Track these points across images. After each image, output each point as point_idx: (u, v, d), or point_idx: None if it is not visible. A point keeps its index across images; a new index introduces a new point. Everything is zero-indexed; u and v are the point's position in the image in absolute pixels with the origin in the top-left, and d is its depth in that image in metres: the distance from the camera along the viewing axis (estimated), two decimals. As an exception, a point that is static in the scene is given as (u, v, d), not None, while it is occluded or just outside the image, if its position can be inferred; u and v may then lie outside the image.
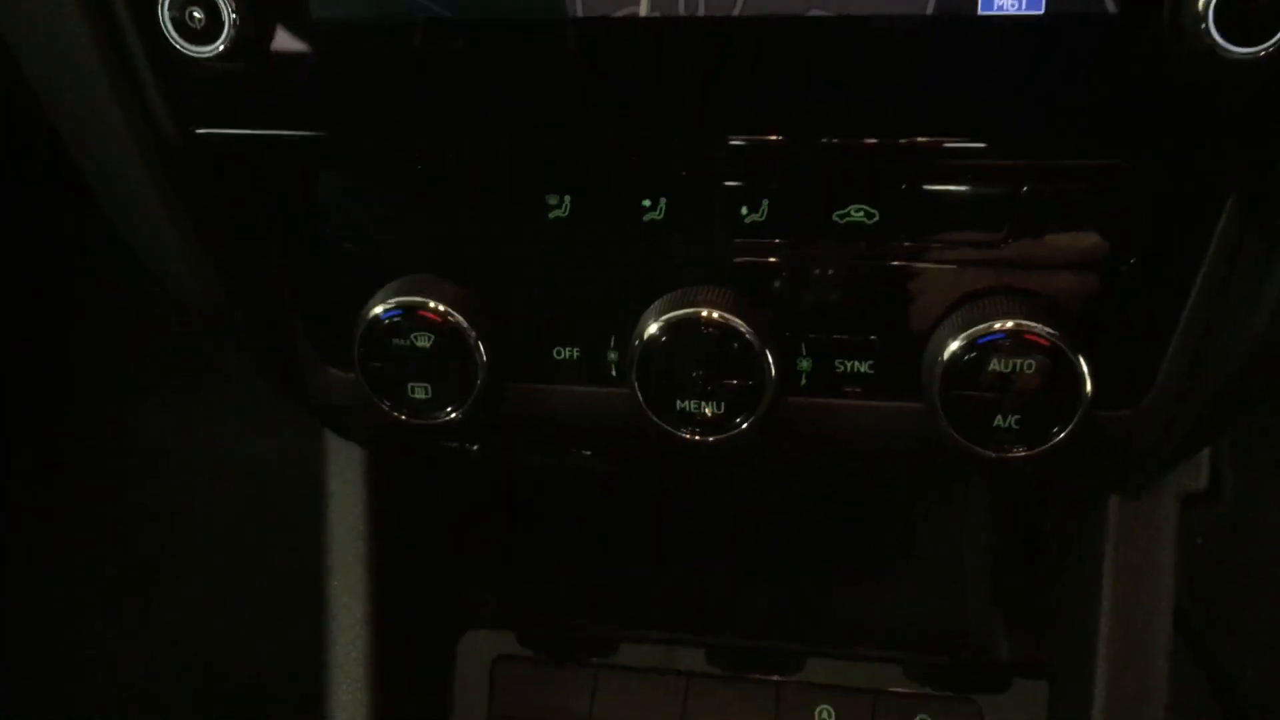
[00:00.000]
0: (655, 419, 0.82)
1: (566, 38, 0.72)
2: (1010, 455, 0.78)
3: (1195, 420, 0.82)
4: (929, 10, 0.67)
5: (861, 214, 0.79)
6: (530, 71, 0.73)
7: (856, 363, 0.83)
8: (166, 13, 0.73)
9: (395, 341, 0.83)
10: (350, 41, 0.74)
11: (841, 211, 0.79)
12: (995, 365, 0.75)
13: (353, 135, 0.78)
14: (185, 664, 1.62)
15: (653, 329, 0.79)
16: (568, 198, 0.82)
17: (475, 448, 1.02)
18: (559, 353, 0.87)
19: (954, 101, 0.70)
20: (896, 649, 1.17)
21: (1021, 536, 1.22)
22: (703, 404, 0.80)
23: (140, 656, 1.63)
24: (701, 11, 0.70)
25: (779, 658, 1.17)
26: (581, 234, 0.83)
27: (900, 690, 1.14)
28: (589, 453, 1.02)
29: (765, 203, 0.79)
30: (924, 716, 1.13)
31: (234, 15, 0.72)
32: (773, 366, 0.79)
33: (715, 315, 0.78)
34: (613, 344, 0.86)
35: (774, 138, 0.73)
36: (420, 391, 0.84)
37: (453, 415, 0.85)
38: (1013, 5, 0.66)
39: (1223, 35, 0.62)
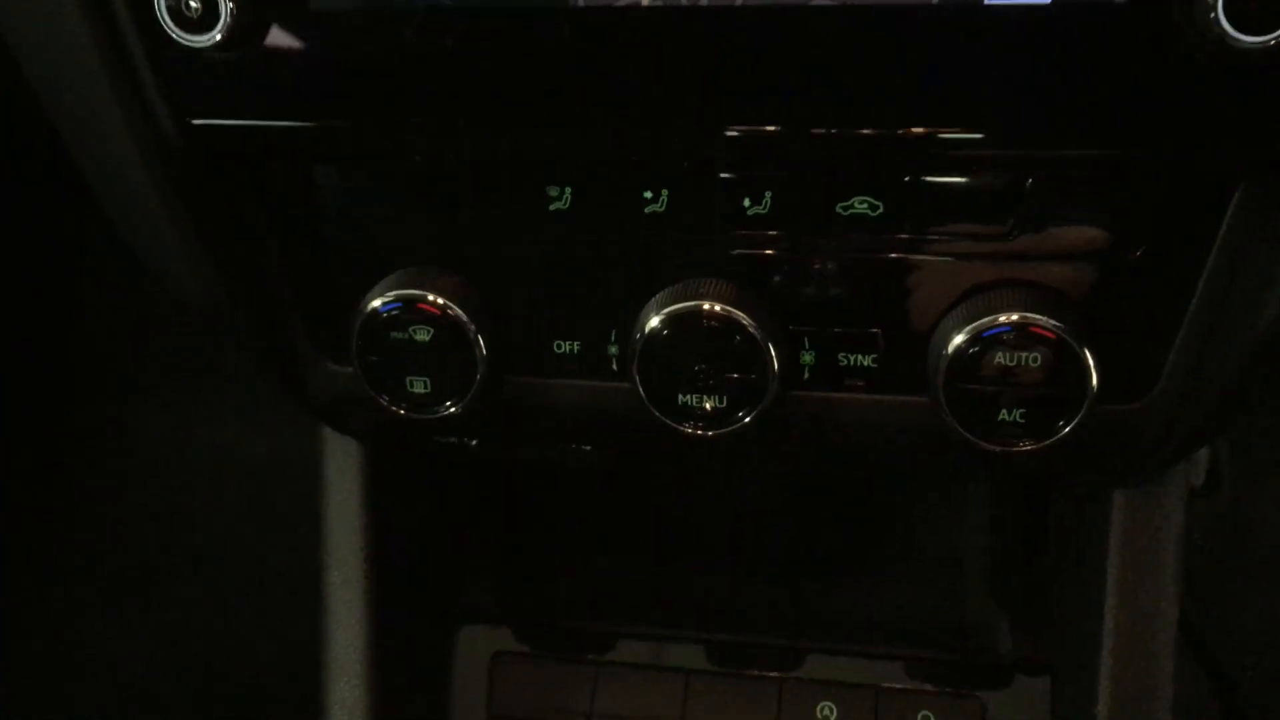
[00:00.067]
0: (656, 413, 0.81)
1: (567, 27, 0.71)
2: (1015, 449, 0.77)
3: (1202, 414, 0.82)
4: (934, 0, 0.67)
5: (865, 206, 0.78)
6: (530, 62, 0.73)
7: (860, 356, 0.83)
8: (163, 2, 0.72)
9: (394, 335, 0.82)
10: (348, 31, 0.74)
11: (845, 203, 0.78)
12: (1000, 358, 0.75)
13: (350, 126, 0.78)
14: (185, 663, 1.63)
15: (654, 322, 0.79)
16: (568, 189, 0.81)
17: (474, 443, 1.02)
18: (559, 346, 0.86)
19: (959, 92, 0.69)
20: (898, 645, 1.17)
21: (1023, 532, 1.22)
22: (704, 398, 0.80)
23: (140, 656, 1.64)
24: (704, 1, 0.69)
25: (779, 654, 1.17)
26: (582, 226, 0.82)
27: (902, 687, 1.13)
28: (589, 448, 1.01)
29: (768, 194, 0.79)
30: (927, 714, 1.12)
31: (230, 4, 0.72)
32: (775, 360, 0.78)
33: (717, 308, 0.78)
34: (613, 337, 0.85)
35: (777, 129, 0.72)
36: (419, 385, 0.83)
37: (452, 409, 0.84)
38: (1019, -7, 0.66)
39: (1232, 24, 0.62)
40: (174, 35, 0.73)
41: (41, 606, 1.66)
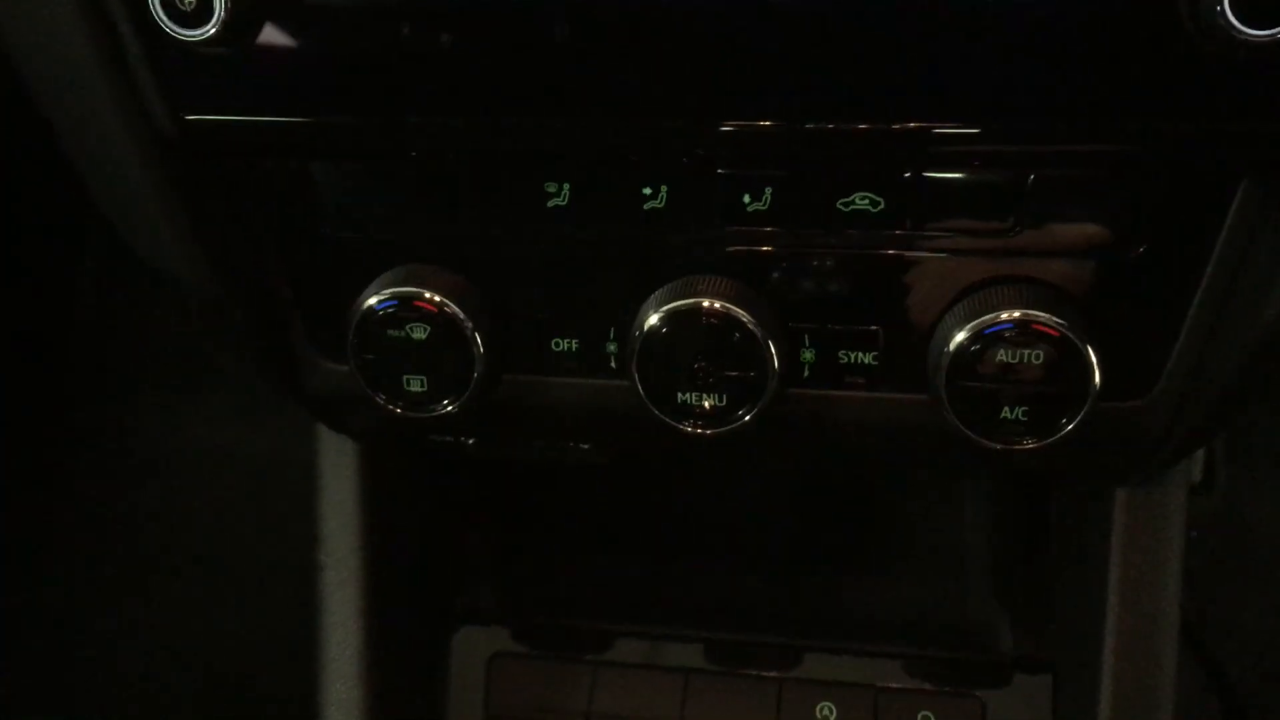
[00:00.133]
0: (656, 411, 0.81)
1: (565, 21, 0.70)
2: (1017, 447, 0.77)
3: (1204, 411, 0.81)
4: None
5: (866, 202, 0.77)
6: (528, 56, 0.72)
7: (860, 354, 0.82)
8: None
9: (390, 333, 0.82)
10: (343, 25, 0.73)
11: (846, 200, 0.77)
12: (1002, 356, 0.74)
13: (346, 122, 0.77)
14: (184, 663, 1.63)
15: (653, 319, 0.78)
16: (567, 186, 0.80)
17: (471, 441, 1.01)
18: (558, 344, 0.86)
19: (960, 87, 0.69)
20: (898, 644, 1.16)
21: (1025, 530, 1.22)
22: (704, 396, 0.79)
23: (139, 655, 1.64)
24: None
25: (778, 653, 1.16)
26: (581, 223, 0.81)
27: (902, 687, 1.13)
28: (586, 446, 1.01)
29: (768, 190, 0.78)
30: (927, 714, 1.12)
31: None
32: (775, 358, 0.78)
33: (717, 305, 0.77)
34: (612, 335, 0.84)
35: (776, 124, 0.72)
36: (416, 384, 0.83)
37: (449, 408, 0.83)
38: (1023, -14, 0.65)
39: (1238, 18, 0.61)
40: (168, 29, 0.72)
41: (40, 606, 1.66)
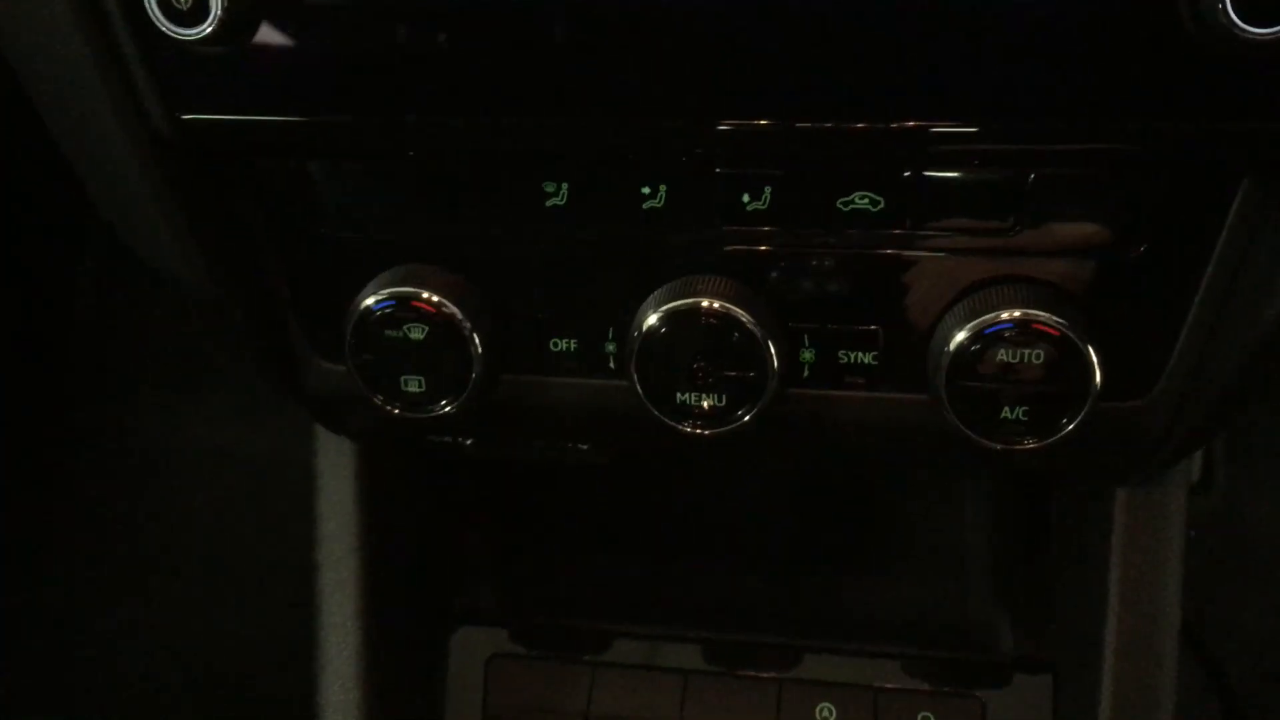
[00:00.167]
0: (655, 412, 0.80)
1: (564, 20, 0.70)
2: (1017, 448, 0.77)
3: (1204, 411, 0.81)
4: None
5: (866, 201, 0.77)
6: (526, 55, 0.72)
7: (860, 353, 0.82)
8: None
9: (388, 333, 0.81)
10: (341, 24, 0.73)
11: (845, 199, 0.77)
12: (1002, 355, 0.74)
13: (343, 122, 0.77)
14: (185, 663, 1.63)
15: (652, 320, 0.78)
16: (565, 185, 0.80)
17: (469, 442, 1.01)
18: (556, 344, 0.85)
19: (961, 84, 0.68)
20: (898, 644, 1.16)
21: (1025, 529, 1.21)
22: (703, 396, 0.79)
23: (139, 655, 1.64)
24: None
25: (777, 654, 1.16)
26: (579, 222, 0.81)
27: (902, 687, 1.13)
28: (585, 446, 1.00)
29: (767, 190, 0.78)
30: (926, 715, 1.12)
31: None
32: (775, 358, 0.78)
33: (716, 305, 0.77)
34: (611, 335, 0.84)
35: (774, 122, 0.71)
36: (414, 384, 0.82)
37: (447, 409, 0.83)
38: (1023, -16, 0.65)
39: (1239, 15, 0.61)
40: (164, 28, 0.72)
41: (40, 606, 1.66)
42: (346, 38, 0.73)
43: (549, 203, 0.81)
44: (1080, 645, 1.03)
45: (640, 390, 0.80)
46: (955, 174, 0.76)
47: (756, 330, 0.77)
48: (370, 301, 0.81)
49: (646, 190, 0.79)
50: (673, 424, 0.81)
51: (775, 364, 0.78)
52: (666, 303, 0.78)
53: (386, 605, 1.10)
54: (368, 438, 1.05)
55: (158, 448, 1.66)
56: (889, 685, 1.13)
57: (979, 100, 0.69)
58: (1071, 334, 0.73)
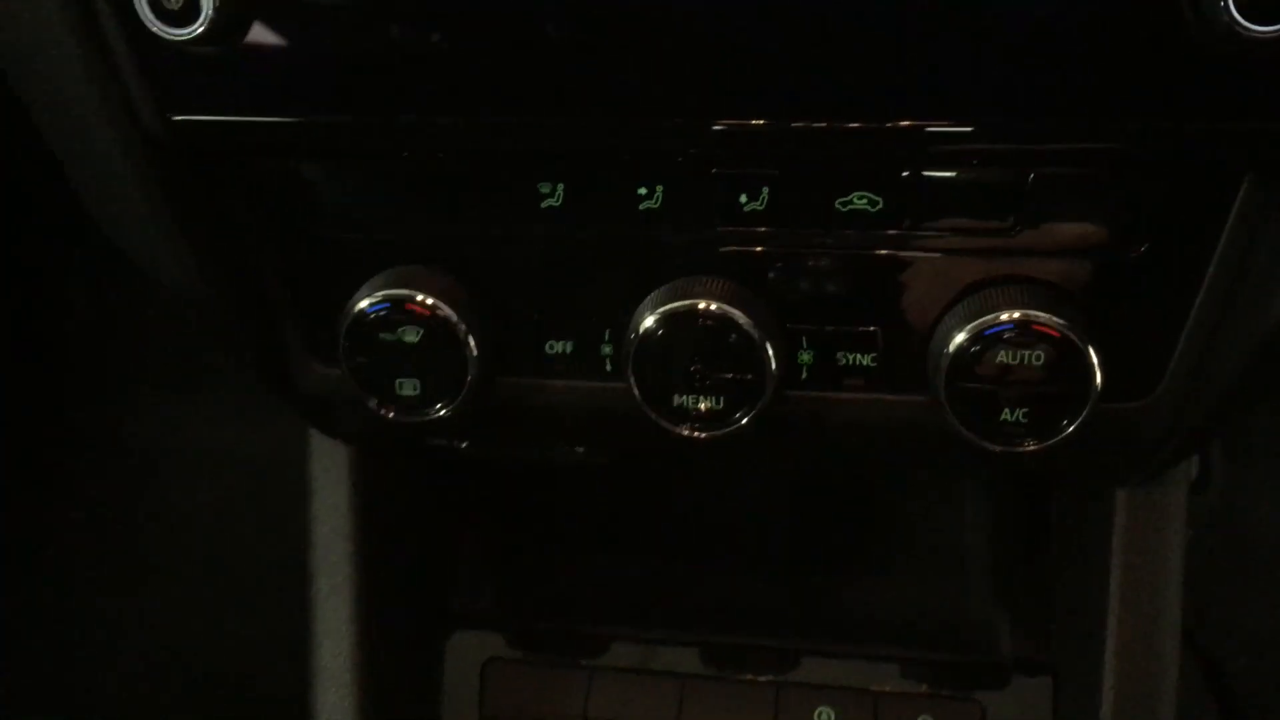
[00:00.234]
0: (652, 414, 0.80)
1: (559, 19, 0.70)
2: (1017, 449, 0.76)
3: (1205, 412, 0.81)
4: None
5: (864, 202, 0.76)
6: (521, 54, 0.71)
7: (859, 355, 0.81)
8: None
9: (382, 336, 0.80)
10: (333, 24, 0.72)
11: (844, 199, 0.77)
12: (1002, 357, 0.74)
13: (336, 122, 0.76)
14: (184, 663, 1.63)
15: (649, 321, 0.77)
16: (560, 186, 0.80)
17: (464, 444, 1.00)
18: (552, 346, 0.85)
19: (961, 83, 0.68)
20: (897, 646, 1.16)
21: (1025, 531, 1.21)
22: (701, 399, 0.78)
23: (138, 654, 1.64)
24: None
25: (775, 657, 1.16)
26: (575, 223, 0.81)
27: (901, 690, 1.12)
28: (581, 449, 1.00)
29: (765, 190, 0.77)
30: (926, 717, 1.11)
31: None
32: (773, 359, 0.77)
33: (713, 307, 0.76)
34: (607, 337, 0.84)
35: (771, 122, 0.71)
36: (409, 388, 0.82)
37: (442, 412, 0.82)
38: (1023, -18, 0.65)
39: (1242, 14, 0.60)
40: (154, 29, 0.71)
41: (40, 606, 1.66)
42: (339, 37, 0.72)
43: (545, 204, 0.80)
44: (1080, 646, 1.03)
45: (637, 393, 0.79)
46: (954, 174, 0.76)
47: (754, 332, 0.76)
48: (365, 304, 0.81)
49: (643, 191, 0.79)
50: (670, 426, 0.80)
51: (773, 366, 0.77)
52: (663, 304, 0.77)
53: (382, 609, 1.09)
54: (362, 441, 1.04)
55: (157, 448, 1.66)
56: (888, 688, 1.12)
57: (979, 99, 0.68)
58: (1072, 335, 0.72)
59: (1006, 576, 1.23)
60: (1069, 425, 0.75)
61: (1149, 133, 0.68)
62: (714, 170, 0.77)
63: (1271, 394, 0.84)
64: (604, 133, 0.74)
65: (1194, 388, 0.80)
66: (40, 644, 1.65)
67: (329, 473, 1.06)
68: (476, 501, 1.30)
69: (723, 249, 0.80)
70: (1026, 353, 0.73)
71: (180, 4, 0.70)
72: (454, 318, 0.80)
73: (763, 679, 1.14)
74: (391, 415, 0.83)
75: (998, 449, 0.76)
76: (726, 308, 0.76)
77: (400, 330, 0.80)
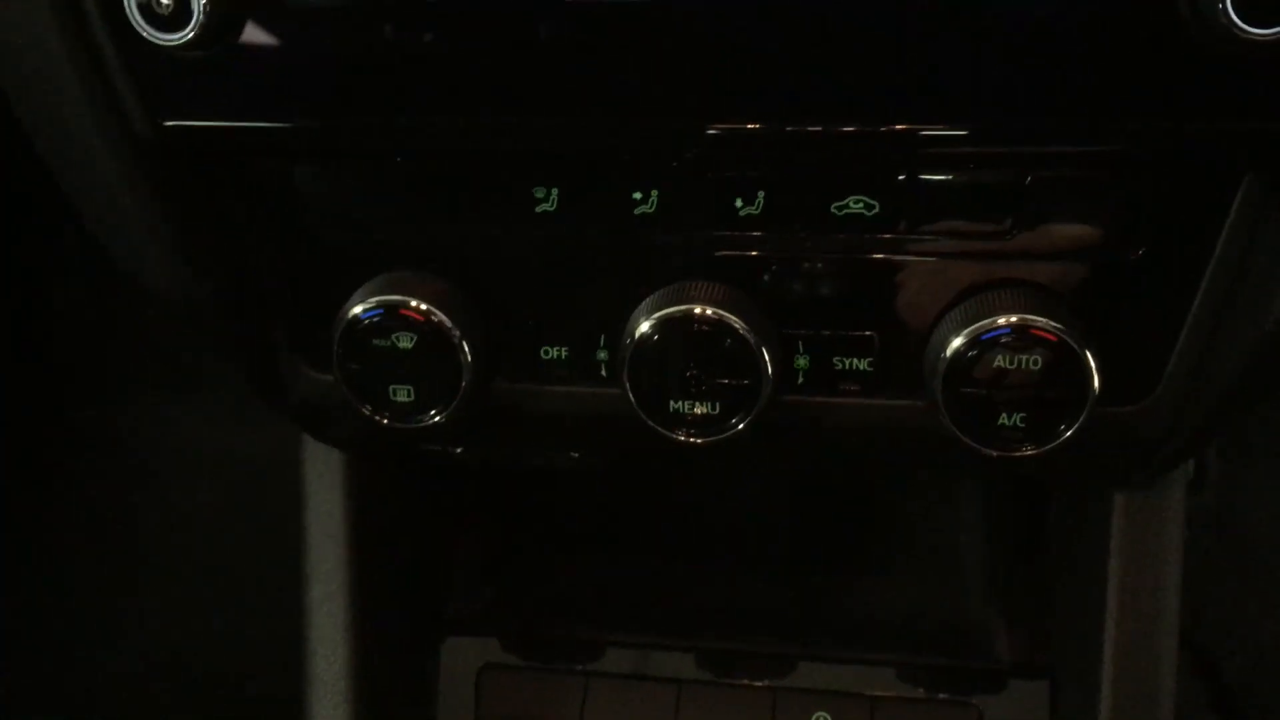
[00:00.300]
0: (648, 420, 0.79)
1: (553, 22, 0.69)
2: (1015, 454, 0.76)
3: (1204, 414, 0.81)
4: None
5: (860, 205, 0.76)
6: (515, 58, 0.71)
7: (855, 359, 0.81)
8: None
9: (376, 342, 0.80)
10: (325, 27, 0.71)
11: (840, 203, 0.76)
12: (999, 361, 0.73)
13: (329, 127, 0.75)
14: (184, 663, 1.63)
15: (644, 327, 0.77)
16: (555, 190, 0.79)
17: (459, 450, 1.00)
18: (547, 352, 0.84)
19: (959, 85, 0.67)
20: (894, 649, 1.15)
21: (1022, 534, 1.21)
22: (697, 404, 0.78)
23: (137, 655, 1.64)
24: None
25: (771, 662, 1.15)
26: (570, 228, 0.80)
27: (898, 695, 1.12)
28: (576, 454, 0.99)
29: (761, 194, 0.77)
30: None
31: (203, 1, 0.69)
32: (769, 364, 0.77)
33: (709, 312, 0.76)
34: (603, 342, 0.83)
35: (767, 126, 0.70)
36: (402, 394, 0.81)
37: (436, 418, 0.82)
38: (1021, -16, 0.64)
39: (1240, 16, 0.60)
40: (145, 34, 0.71)
41: (39, 607, 1.66)
42: (329, 41, 0.72)
43: (539, 208, 0.80)
44: (1078, 649, 1.02)
45: (633, 398, 0.79)
46: (951, 176, 0.76)
47: (750, 337, 0.76)
48: (358, 310, 0.80)
49: (638, 195, 0.78)
50: (666, 432, 0.80)
51: (769, 371, 0.77)
52: (659, 309, 0.77)
53: (376, 615, 1.09)
54: (355, 447, 1.03)
55: (156, 448, 1.66)
56: (885, 693, 1.12)
57: (975, 101, 0.68)
58: (1069, 339, 0.72)
59: (1004, 579, 1.23)
60: (1067, 430, 0.74)
61: (1147, 133, 0.68)
62: (709, 174, 0.77)
63: (1271, 395, 0.84)
64: (598, 135, 0.74)
65: (1193, 390, 0.79)
66: (39, 644, 1.65)
67: (322, 478, 1.05)
68: (471, 505, 1.29)
69: (718, 253, 0.79)
70: (1024, 357, 0.73)
71: (171, 9, 0.70)
72: (448, 323, 0.80)
73: (759, 684, 1.13)
74: (385, 422, 0.83)
75: (995, 454, 0.76)
76: (722, 313, 0.76)
77: (394, 336, 0.80)
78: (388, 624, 1.11)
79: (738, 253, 0.79)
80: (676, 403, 0.78)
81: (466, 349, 0.80)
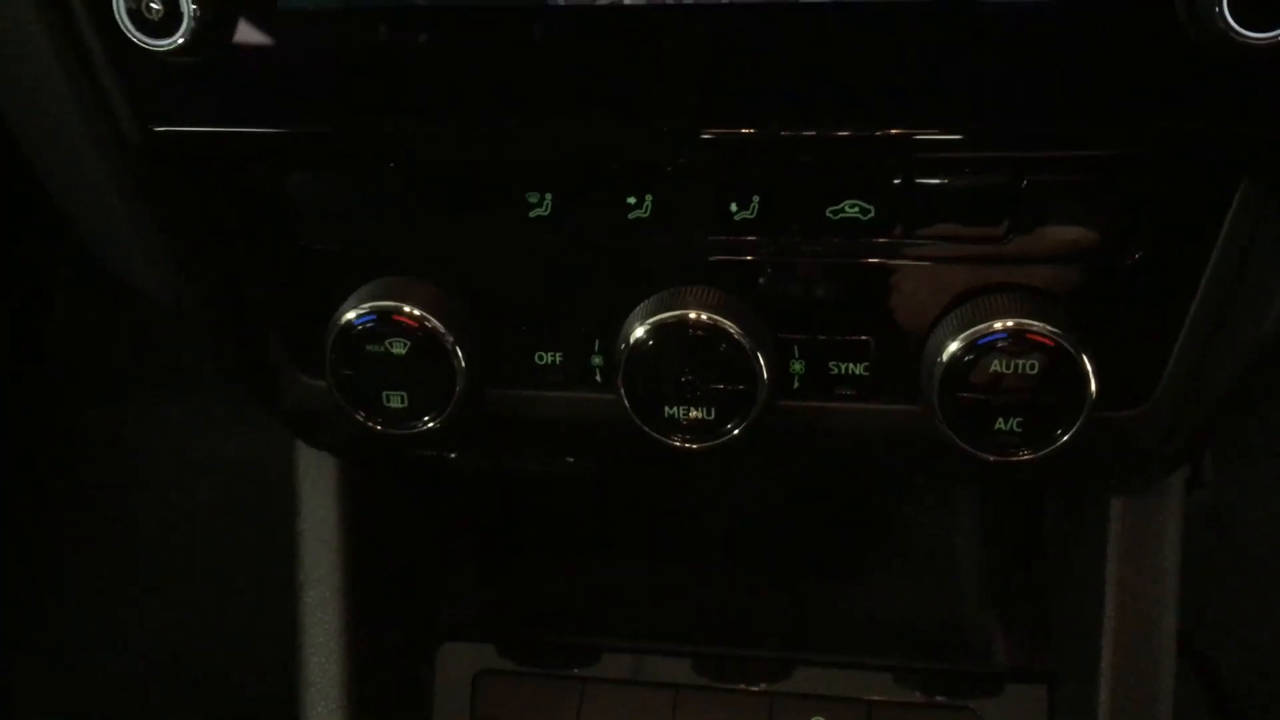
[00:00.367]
0: (643, 426, 0.79)
1: (547, 27, 0.69)
2: (1012, 459, 0.76)
3: (1202, 418, 0.80)
4: None
5: (856, 210, 0.76)
6: (509, 63, 0.70)
7: (851, 364, 0.81)
8: (122, 4, 0.70)
9: (369, 348, 0.80)
10: (317, 32, 0.71)
11: (835, 207, 0.76)
12: (996, 366, 0.73)
13: (320, 132, 0.75)
14: (183, 664, 1.63)
15: (639, 332, 0.77)
16: (549, 195, 0.79)
17: (452, 455, 0.99)
18: (541, 357, 0.84)
19: (956, 90, 0.67)
20: (891, 654, 1.15)
21: (1019, 538, 1.20)
22: (692, 409, 0.78)
23: (136, 655, 1.64)
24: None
25: (768, 666, 1.15)
26: (564, 233, 0.80)
27: (895, 700, 1.11)
28: (571, 460, 0.99)
29: (756, 199, 0.77)
30: None
31: (193, 6, 0.69)
32: (764, 369, 0.76)
33: (704, 317, 0.76)
34: (597, 348, 0.83)
35: (761, 131, 0.70)
36: (396, 400, 0.81)
37: (430, 424, 0.82)
38: (1018, -11, 0.64)
39: (1236, 20, 0.60)
40: (135, 39, 0.70)
41: (38, 607, 1.66)
42: (321, 47, 0.71)
43: (533, 213, 0.79)
44: (1076, 653, 1.02)
45: (627, 404, 0.79)
46: (947, 180, 0.75)
47: (745, 342, 0.76)
48: (351, 315, 0.80)
49: (632, 200, 0.78)
50: (661, 438, 0.79)
51: (765, 376, 0.77)
52: (653, 314, 0.76)
53: (370, 622, 1.08)
54: (349, 453, 1.03)
55: (156, 449, 1.66)
56: (882, 697, 1.11)
57: (971, 104, 0.67)
58: (1066, 343, 0.72)
59: (1001, 583, 1.23)
60: (1064, 434, 0.74)
61: (1144, 136, 0.67)
62: (704, 178, 0.76)
63: (1269, 397, 0.83)
64: (593, 139, 0.74)
65: (1190, 393, 0.79)
66: (39, 644, 1.65)
67: (316, 484, 1.05)
68: (466, 510, 1.29)
69: (713, 258, 0.79)
70: (1020, 361, 0.73)
71: (161, 14, 0.69)
72: (441, 329, 0.79)
73: (756, 689, 1.13)
74: (379, 428, 0.82)
75: (992, 459, 0.76)
76: (717, 318, 0.76)
77: (387, 342, 0.80)
78: (382, 630, 1.11)
79: (733, 257, 0.79)
80: (671, 408, 0.78)
81: (460, 355, 0.80)
